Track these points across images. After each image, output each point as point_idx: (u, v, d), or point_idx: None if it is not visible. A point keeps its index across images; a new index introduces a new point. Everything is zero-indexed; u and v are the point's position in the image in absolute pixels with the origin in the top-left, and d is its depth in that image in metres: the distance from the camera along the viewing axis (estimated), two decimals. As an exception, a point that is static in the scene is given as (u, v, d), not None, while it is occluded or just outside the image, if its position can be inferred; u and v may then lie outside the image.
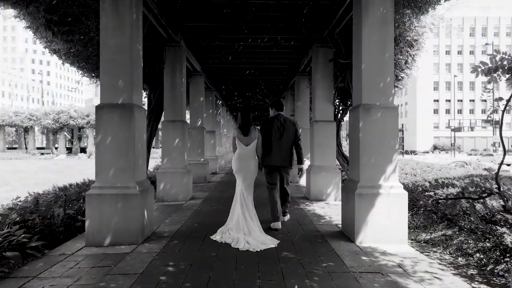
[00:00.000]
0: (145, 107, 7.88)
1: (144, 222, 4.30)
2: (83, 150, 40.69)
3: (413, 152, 47.45)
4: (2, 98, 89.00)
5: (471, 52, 68.47)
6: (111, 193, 4.11)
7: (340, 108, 7.60)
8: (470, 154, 54.59)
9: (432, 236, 4.29)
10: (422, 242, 4.21)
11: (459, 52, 68.80)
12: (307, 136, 10.41)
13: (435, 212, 4.67)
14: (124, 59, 4.25)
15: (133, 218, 4.12)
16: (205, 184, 10.15)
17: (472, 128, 63.41)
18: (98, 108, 4.24)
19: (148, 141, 7.62)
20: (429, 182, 4.83)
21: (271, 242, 4.08)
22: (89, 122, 37.83)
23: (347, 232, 4.45)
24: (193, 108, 10.49)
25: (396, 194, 4.17)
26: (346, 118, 7.88)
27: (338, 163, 7.68)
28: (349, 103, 7.41)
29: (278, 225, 4.80)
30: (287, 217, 5.36)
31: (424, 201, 4.74)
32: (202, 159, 10.42)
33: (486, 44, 46.82)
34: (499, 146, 50.55)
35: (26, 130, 39.78)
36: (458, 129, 62.48)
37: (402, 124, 63.31)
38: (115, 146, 4.19)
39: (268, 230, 4.68)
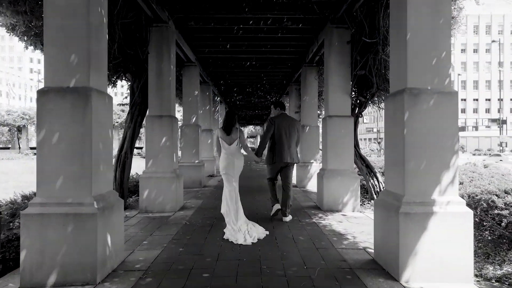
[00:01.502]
0: (127, 100, 6.70)
1: (107, 252, 3.12)
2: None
3: None
4: (0, 97, 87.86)
5: (475, 51, 67.40)
6: (57, 213, 2.92)
7: (358, 101, 6.39)
8: (474, 154, 53.40)
9: (504, 271, 3.10)
10: (493, 281, 3.02)
11: (463, 51, 67.63)
12: (316, 135, 9.24)
13: (507, 236, 3.47)
14: (78, 26, 3.06)
15: (89, 247, 2.94)
16: (200, 189, 8.96)
17: (476, 128, 62.18)
18: (40, 93, 3.05)
19: (131, 140, 6.43)
20: (496, 195, 3.64)
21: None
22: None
23: (385, 264, 3.26)
24: (186, 103, 9.30)
25: (457, 214, 2.98)
26: (363, 112, 6.69)
27: (356, 167, 6.48)
28: (368, 94, 6.21)
29: (277, 206, 5.31)
30: (289, 217, 5.33)
31: (489, 221, 3.54)
32: (197, 161, 9.23)
33: (493, 41, 45.62)
34: (506, 146, 49.34)
35: (20, 129, 38.57)
36: (462, 129, 61.34)
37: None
38: (64, 146, 3.00)
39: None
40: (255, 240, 4.17)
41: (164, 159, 6.09)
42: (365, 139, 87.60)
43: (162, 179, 6.02)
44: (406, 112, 3.07)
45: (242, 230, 4.40)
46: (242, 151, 5.03)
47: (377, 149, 25.92)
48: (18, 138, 39.55)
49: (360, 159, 6.53)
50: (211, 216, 5.62)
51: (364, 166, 6.51)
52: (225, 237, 4.32)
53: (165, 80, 6.13)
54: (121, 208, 3.51)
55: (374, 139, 76.63)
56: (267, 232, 4.49)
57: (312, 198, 7.47)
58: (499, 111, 68.39)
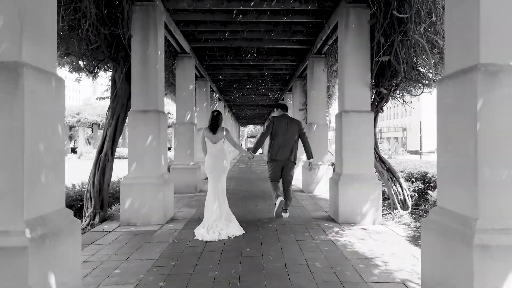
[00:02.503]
0: (108, 93, 5.75)
1: (48, 300, 2.17)
2: (73, 150, 38.48)
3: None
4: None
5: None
6: (-32, 247, 1.98)
7: (378, 93, 5.45)
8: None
9: None
10: None
11: None
12: (324, 134, 8.31)
13: None
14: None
15: (18, 297, 1.99)
16: (195, 194, 8.01)
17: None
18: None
19: (112, 139, 5.49)
20: None
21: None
22: (80, 120, 35.65)
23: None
24: (180, 98, 8.35)
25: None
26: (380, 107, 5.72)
27: (376, 171, 5.53)
28: (391, 85, 5.27)
29: (279, 199, 5.23)
30: (287, 214, 5.48)
31: None
32: (191, 163, 8.28)
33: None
34: None
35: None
36: (465, 128, 60.32)
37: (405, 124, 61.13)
38: (-18, 147, 2.06)
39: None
40: (225, 238, 4.32)
41: (150, 162, 5.15)
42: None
43: (147, 185, 5.08)
44: (479, 99, 2.12)
45: (216, 228, 4.48)
46: (230, 149, 5.43)
47: (390, 150, 24.55)
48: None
49: (380, 161, 5.58)
50: (205, 230, 4.67)
51: (385, 170, 5.56)
52: (196, 237, 4.35)
53: (151, 69, 5.19)
54: (76, 232, 2.55)
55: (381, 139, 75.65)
56: (243, 232, 4.56)
57: (323, 206, 6.52)
58: None
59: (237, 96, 16.95)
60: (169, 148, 26.22)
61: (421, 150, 24.21)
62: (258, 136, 5.76)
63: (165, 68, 8.44)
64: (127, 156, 5.19)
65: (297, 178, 11.11)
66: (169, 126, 16.91)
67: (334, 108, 18.31)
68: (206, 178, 11.47)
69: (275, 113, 5.72)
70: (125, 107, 5.53)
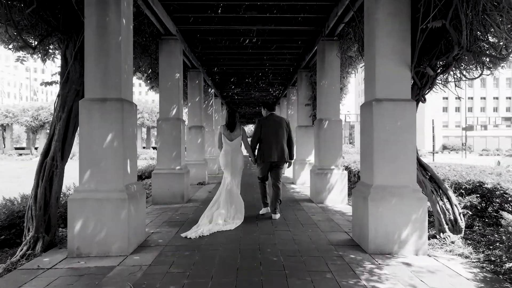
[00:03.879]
0: (57, 77, 4.35)
1: None
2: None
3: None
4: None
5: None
6: None
7: (422, 75, 4.06)
8: (481, 155, 50.92)
9: None
10: None
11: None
12: (337, 132, 6.94)
13: None
14: None
15: None
16: (181, 205, 6.60)
17: (485, 127, 59.87)
18: None
19: (62, 138, 4.10)
20: None
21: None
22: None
23: None
24: (164, 89, 6.94)
25: None
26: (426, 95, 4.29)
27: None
28: (441, 63, 3.88)
29: (266, 210, 5.48)
30: (278, 215, 5.37)
31: None
32: (178, 167, 6.87)
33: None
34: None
35: (4, 128, 36.04)
36: (470, 128, 58.89)
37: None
38: None
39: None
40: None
41: (110, 169, 3.75)
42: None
43: (106, 201, 3.68)
44: None
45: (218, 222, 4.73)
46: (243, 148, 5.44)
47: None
48: (3, 138, 37.05)
49: (420, 167, 4.19)
50: (186, 267, 3.28)
51: (427, 179, 4.17)
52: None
53: (111, 41, 3.79)
54: None
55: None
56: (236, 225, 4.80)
57: (339, 222, 5.13)
58: (507, 110, 66.23)
59: (235, 92, 15.56)
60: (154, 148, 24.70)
61: (433, 150, 22.86)
62: (250, 142, 5.56)
63: (146, 53, 7.06)
64: (79, 161, 3.79)
65: (304, 183, 9.74)
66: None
67: (344, 104, 16.89)
68: (198, 183, 10.17)
69: (263, 113, 5.69)
70: (80, 95, 4.13)
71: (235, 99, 18.48)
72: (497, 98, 67.32)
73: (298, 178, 9.89)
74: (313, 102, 9.94)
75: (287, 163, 5.71)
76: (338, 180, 6.77)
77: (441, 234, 4.03)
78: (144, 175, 11.14)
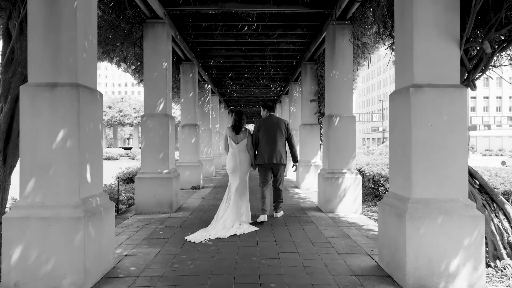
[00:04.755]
0: None
1: None
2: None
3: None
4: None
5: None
6: None
7: (470, 54, 3.12)
8: (485, 155, 50.05)
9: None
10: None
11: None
12: (350, 130, 6.02)
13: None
14: None
15: None
16: (169, 216, 5.66)
17: (489, 127, 58.94)
18: None
19: (6, 133, 3.17)
20: None
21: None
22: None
23: None
24: (149, 80, 6.00)
25: None
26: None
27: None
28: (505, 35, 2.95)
29: (264, 217, 5.04)
30: (280, 213, 5.43)
31: None
32: (165, 171, 5.93)
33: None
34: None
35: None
36: (473, 128, 57.97)
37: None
38: None
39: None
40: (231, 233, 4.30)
41: (61, 178, 2.81)
42: (367, 139, 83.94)
43: (54, 221, 2.74)
44: None
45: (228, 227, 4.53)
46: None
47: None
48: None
49: (470, 178, 3.25)
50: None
51: (477, 189, 3.23)
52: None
53: (63, 8, 2.85)
54: None
55: (378, 138, 72.82)
56: (257, 228, 4.58)
57: (357, 239, 4.19)
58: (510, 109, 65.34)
59: (233, 89, 14.62)
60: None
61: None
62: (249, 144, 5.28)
63: (130, 39, 6.13)
64: (20, 166, 2.85)
65: (309, 187, 8.81)
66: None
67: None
68: (192, 188, 9.24)
69: (262, 113, 5.52)
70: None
71: (234, 97, 17.56)
72: (500, 97, 66.41)
73: (302, 182, 8.96)
74: (318, 98, 9.01)
75: (293, 166, 5.57)
76: (351, 186, 5.83)
77: (498, 261, 3.09)
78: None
